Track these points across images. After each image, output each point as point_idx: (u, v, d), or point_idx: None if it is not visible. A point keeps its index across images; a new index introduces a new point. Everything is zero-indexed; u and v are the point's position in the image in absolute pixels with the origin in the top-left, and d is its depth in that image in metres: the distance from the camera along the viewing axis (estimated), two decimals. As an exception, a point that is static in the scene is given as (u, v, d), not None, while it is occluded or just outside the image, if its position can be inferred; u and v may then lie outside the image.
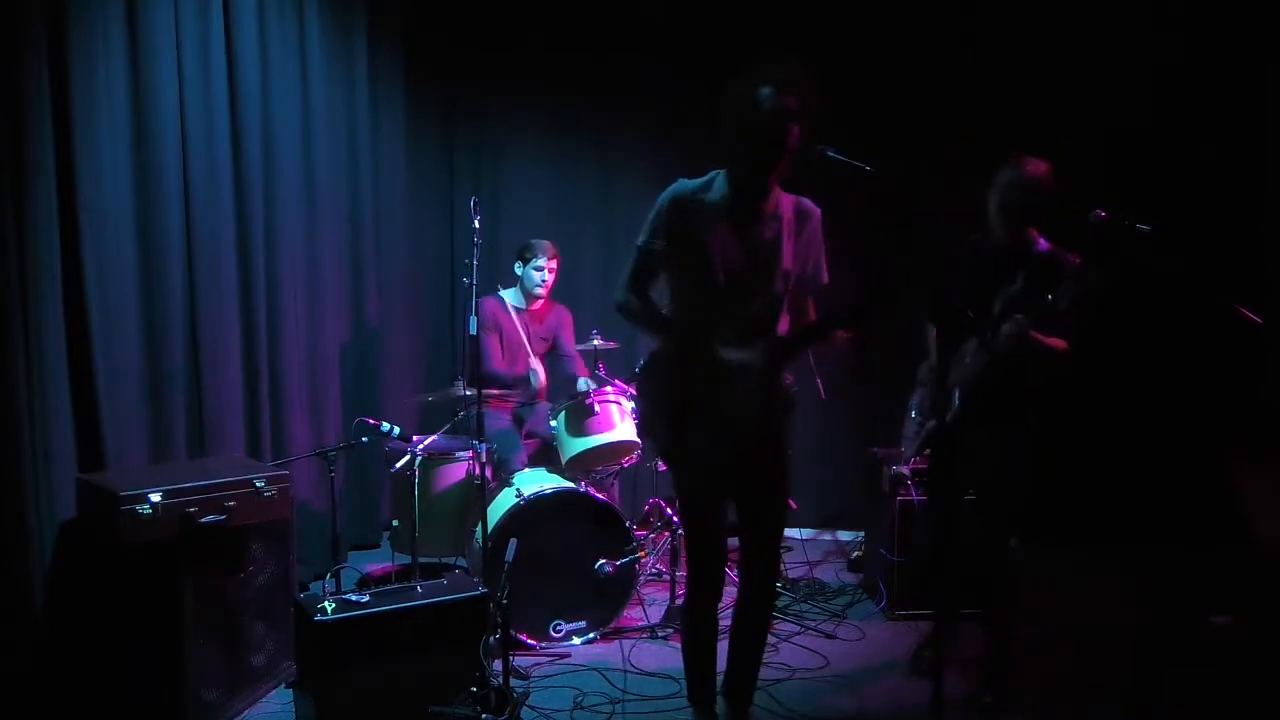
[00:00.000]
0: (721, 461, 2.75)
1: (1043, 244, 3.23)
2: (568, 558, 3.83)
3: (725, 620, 3.02)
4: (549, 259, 4.60)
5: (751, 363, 2.67)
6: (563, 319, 4.83)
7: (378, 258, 5.15)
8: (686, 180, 2.77)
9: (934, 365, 3.37)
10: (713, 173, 2.76)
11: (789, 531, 4.48)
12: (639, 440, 4.34)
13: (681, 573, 4.20)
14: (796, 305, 2.85)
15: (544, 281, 4.61)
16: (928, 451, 3.60)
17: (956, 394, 3.26)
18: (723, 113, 2.61)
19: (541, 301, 4.72)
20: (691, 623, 2.99)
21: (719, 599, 2.95)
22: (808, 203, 2.79)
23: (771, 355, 2.70)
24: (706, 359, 2.69)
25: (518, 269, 4.66)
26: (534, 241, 4.65)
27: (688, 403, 2.74)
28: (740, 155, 2.64)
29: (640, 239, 2.77)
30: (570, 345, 4.86)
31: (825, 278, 2.82)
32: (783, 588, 4.30)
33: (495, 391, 4.57)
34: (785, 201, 2.74)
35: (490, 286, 4.71)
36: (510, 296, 4.70)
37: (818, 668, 3.69)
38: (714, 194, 2.71)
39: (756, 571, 2.98)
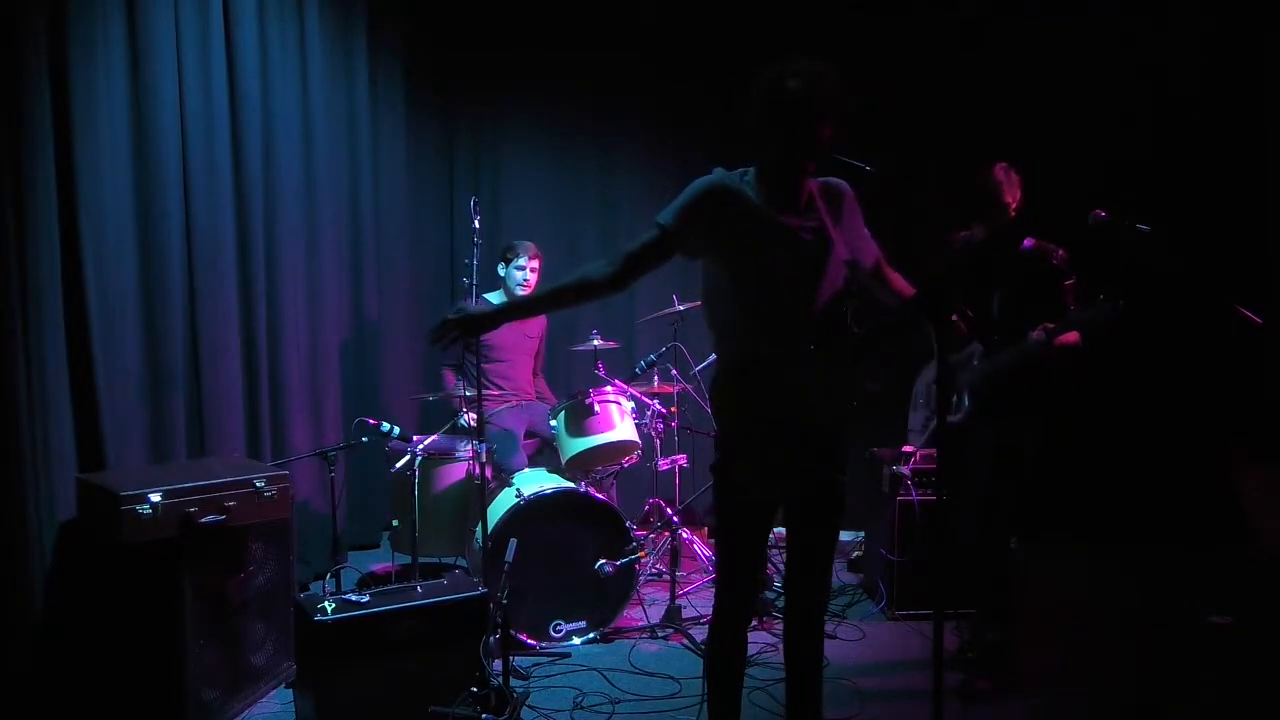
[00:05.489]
0: (798, 466, 2.49)
1: (1028, 241, 3.32)
2: (568, 558, 3.83)
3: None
4: (530, 258, 4.64)
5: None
6: (542, 318, 4.87)
7: (378, 258, 5.15)
8: (724, 170, 2.51)
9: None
10: (742, 169, 2.52)
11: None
12: (639, 440, 4.34)
13: (682, 573, 4.20)
14: (877, 284, 2.63)
15: (526, 280, 4.64)
16: (931, 450, 3.62)
17: (965, 396, 3.28)
18: (751, 102, 2.42)
19: None
20: (724, 649, 2.60)
21: (750, 620, 2.76)
22: (834, 181, 2.56)
23: (853, 353, 2.50)
24: (784, 365, 2.44)
25: (500, 270, 4.69)
26: (516, 242, 4.71)
27: (773, 416, 2.46)
28: (770, 144, 2.43)
29: (662, 218, 2.46)
30: (542, 356, 4.92)
31: (875, 250, 2.61)
32: (782, 589, 4.29)
33: (495, 392, 4.60)
34: (814, 189, 2.52)
35: (490, 286, 4.72)
36: (495, 298, 4.71)
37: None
38: (750, 190, 2.47)
39: (814, 574, 2.64)
